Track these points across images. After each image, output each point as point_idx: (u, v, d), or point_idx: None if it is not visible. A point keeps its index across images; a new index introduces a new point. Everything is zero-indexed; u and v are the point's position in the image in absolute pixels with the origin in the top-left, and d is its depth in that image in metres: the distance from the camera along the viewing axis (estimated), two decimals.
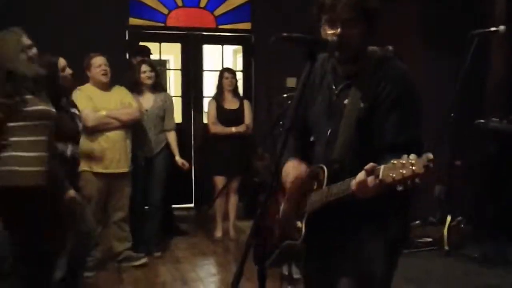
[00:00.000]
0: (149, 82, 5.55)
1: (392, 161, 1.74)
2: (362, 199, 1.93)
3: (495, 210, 5.50)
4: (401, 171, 1.70)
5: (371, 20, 2.11)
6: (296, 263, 2.57)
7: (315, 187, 2.17)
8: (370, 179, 1.84)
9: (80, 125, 4.34)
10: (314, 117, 2.32)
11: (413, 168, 1.68)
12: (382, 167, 1.78)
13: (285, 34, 2.04)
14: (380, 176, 1.78)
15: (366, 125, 2.11)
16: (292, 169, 2.27)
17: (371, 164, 1.84)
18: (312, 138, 2.34)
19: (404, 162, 1.70)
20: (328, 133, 2.21)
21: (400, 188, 1.72)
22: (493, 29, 4.54)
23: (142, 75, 5.52)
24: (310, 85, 2.27)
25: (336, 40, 2.06)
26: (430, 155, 1.68)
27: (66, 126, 4.02)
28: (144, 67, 5.56)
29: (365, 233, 2.18)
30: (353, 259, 2.20)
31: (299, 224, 2.17)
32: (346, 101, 2.17)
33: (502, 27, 4.21)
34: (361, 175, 1.87)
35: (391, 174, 1.73)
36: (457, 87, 4.87)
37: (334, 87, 2.24)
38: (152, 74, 5.56)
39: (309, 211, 2.15)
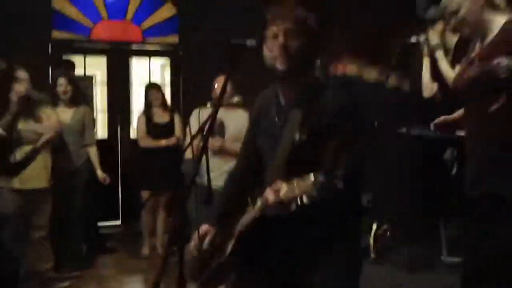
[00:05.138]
0: (65, 96, 5.44)
1: (294, 181, 1.88)
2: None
3: (420, 216, 5.59)
4: (295, 191, 1.85)
5: (311, 37, 2.13)
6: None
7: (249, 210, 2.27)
8: (273, 197, 1.93)
9: None
10: (261, 147, 2.35)
11: (302, 189, 1.85)
12: (284, 188, 1.89)
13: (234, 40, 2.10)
14: (281, 196, 1.90)
15: (300, 153, 2.09)
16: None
17: (277, 185, 1.93)
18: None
19: (298, 183, 1.86)
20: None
21: (293, 206, 1.88)
22: (413, 40, 4.67)
23: (58, 89, 5.42)
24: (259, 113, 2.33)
25: (278, 52, 2.09)
26: (312, 177, 1.83)
27: None
28: (60, 81, 5.44)
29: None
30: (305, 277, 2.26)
31: (228, 243, 2.27)
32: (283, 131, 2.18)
33: (422, 38, 4.38)
34: (269, 194, 1.97)
35: (288, 195, 1.88)
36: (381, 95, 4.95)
37: (276, 120, 2.24)
38: (69, 88, 5.45)
39: (240, 229, 2.23)
